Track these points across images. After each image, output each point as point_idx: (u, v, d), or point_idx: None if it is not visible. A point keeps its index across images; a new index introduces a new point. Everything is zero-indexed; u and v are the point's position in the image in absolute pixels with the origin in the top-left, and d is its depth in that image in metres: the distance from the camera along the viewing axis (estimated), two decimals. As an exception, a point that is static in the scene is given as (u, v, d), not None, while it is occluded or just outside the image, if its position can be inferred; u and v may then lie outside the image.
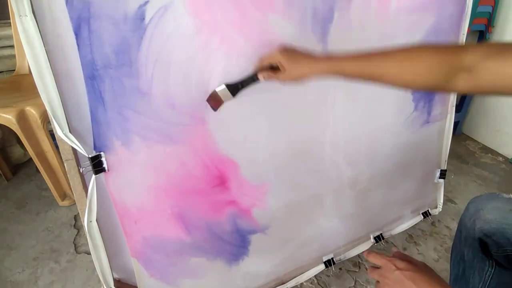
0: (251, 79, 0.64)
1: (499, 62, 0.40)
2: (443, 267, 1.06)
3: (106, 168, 0.60)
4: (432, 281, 0.46)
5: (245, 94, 0.68)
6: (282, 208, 0.84)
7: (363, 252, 1.05)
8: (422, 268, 0.49)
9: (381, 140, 0.94)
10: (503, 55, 0.39)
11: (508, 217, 0.59)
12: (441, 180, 1.16)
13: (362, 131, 0.89)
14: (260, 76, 0.62)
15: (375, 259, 0.54)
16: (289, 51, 0.59)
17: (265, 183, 0.79)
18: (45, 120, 1.19)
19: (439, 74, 0.45)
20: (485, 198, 0.65)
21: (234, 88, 0.64)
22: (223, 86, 0.63)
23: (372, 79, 0.50)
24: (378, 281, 0.52)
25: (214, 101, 0.64)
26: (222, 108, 0.66)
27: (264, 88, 0.70)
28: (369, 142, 0.92)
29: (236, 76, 0.65)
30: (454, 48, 0.46)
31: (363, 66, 0.51)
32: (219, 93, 0.64)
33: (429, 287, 0.45)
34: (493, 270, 0.62)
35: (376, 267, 0.54)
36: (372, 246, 1.06)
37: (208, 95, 0.64)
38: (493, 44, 0.43)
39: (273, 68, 0.60)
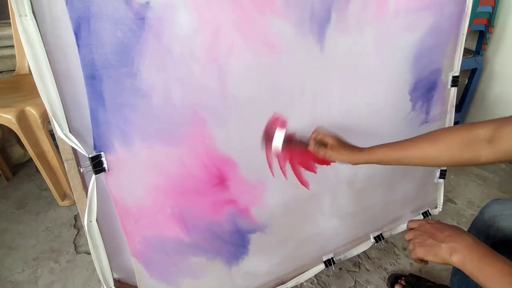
0: (301, 143, 0.74)
1: None
2: (443, 267, 1.06)
3: (106, 168, 0.60)
4: (458, 230, 0.52)
5: (244, 94, 0.68)
6: (280, 206, 0.84)
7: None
8: (451, 225, 0.55)
9: (378, 139, 0.94)
10: None
11: None
12: (441, 180, 1.16)
13: (359, 130, 0.89)
14: (311, 144, 0.73)
15: (412, 224, 0.61)
16: (341, 139, 0.73)
17: (263, 181, 0.79)
18: (45, 120, 1.19)
19: (460, 150, 0.56)
20: (502, 203, 0.67)
21: (287, 141, 0.73)
22: (282, 134, 0.72)
23: (402, 163, 0.65)
24: (410, 240, 0.57)
25: (268, 138, 0.73)
26: (222, 108, 0.66)
27: (263, 87, 0.71)
28: (365, 140, 0.91)
29: (236, 75, 0.65)
30: (468, 126, 0.57)
31: (393, 155, 0.65)
32: (277, 136, 0.71)
33: (454, 233, 0.51)
34: None
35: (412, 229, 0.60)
36: (372, 246, 1.06)
37: (270, 133, 0.73)
38: (500, 118, 0.54)
39: (321, 144, 0.72)
